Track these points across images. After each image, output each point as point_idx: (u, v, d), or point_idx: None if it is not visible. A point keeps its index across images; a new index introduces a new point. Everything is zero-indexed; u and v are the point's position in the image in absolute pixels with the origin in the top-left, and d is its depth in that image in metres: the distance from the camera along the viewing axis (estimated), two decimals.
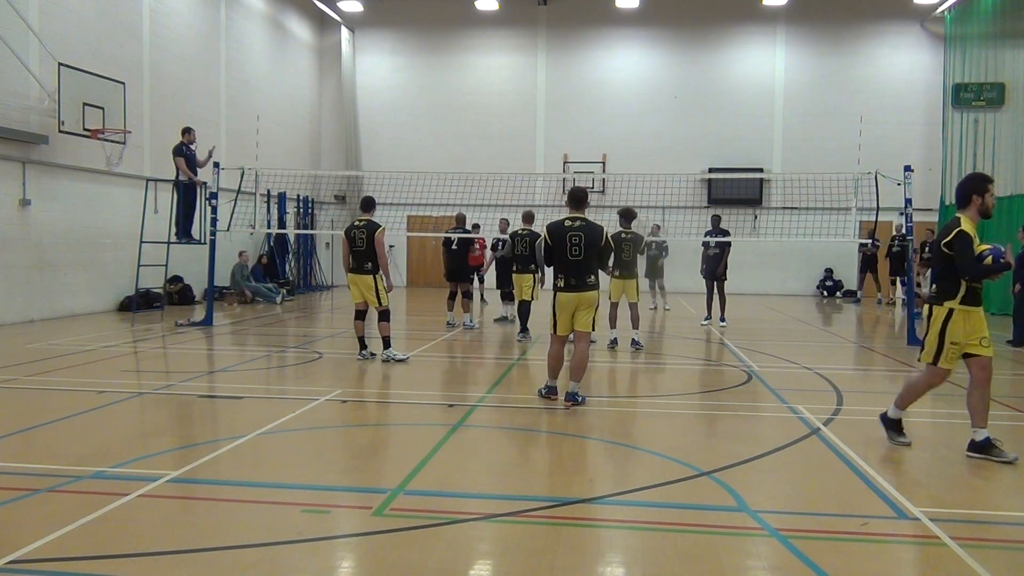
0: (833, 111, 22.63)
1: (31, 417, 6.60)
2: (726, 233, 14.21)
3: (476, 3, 23.39)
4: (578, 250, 7.04)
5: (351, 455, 5.73)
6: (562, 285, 7.14)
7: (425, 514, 4.32)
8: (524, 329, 11.90)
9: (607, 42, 23.78)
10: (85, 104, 13.22)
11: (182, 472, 5.00)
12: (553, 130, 24.00)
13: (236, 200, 14.09)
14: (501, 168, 21.45)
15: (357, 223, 9.60)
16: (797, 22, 23.06)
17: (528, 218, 12.25)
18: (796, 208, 19.61)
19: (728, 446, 6.01)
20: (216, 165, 13.40)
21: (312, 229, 22.21)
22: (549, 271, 7.76)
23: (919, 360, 5.86)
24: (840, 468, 5.33)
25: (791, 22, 23.08)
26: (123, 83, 14.21)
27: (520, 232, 11.95)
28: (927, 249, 17.55)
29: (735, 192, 22.80)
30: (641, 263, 12.75)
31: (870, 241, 13.61)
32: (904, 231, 12.89)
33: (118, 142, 14.08)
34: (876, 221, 12.82)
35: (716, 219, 14.42)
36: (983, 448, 5.52)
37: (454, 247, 13.28)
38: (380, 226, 9.51)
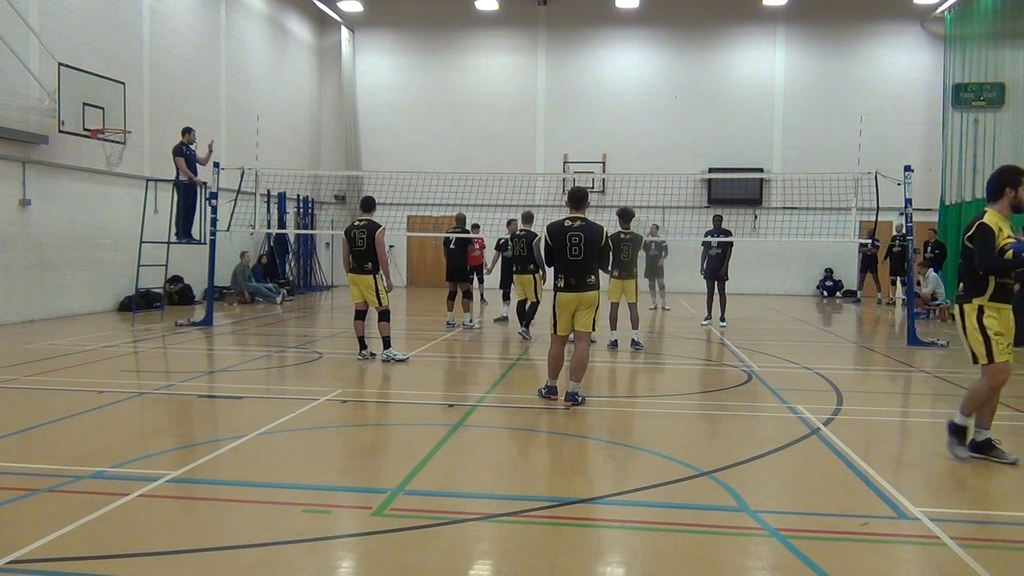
0: (833, 111, 22.63)
1: (31, 417, 6.60)
2: (728, 233, 14.21)
3: (476, 3, 23.40)
4: (578, 250, 7.04)
5: (351, 455, 5.73)
6: (562, 285, 7.14)
7: (425, 514, 4.32)
8: (526, 325, 11.94)
9: (607, 42, 23.78)
10: (85, 104, 13.22)
11: (182, 472, 5.00)
12: (553, 130, 24.00)
13: (236, 200, 14.09)
14: (501, 168, 21.47)
15: (357, 223, 9.60)
16: (797, 22, 23.06)
17: (527, 218, 12.25)
18: (796, 208, 19.60)
19: (728, 446, 6.01)
20: (216, 165, 13.40)
21: (312, 229, 22.21)
22: (550, 271, 7.75)
23: (975, 364, 5.43)
24: (840, 468, 5.33)
25: (791, 22, 23.08)
26: (123, 83, 14.22)
27: (519, 232, 11.95)
28: (928, 249, 17.55)
29: (735, 192, 22.80)
30: (641, 263, 12.76)
31: (870, 241, 13.60)
32: (904, 231, 12.88)
33: (118, 142, 14.09)
34: (876, 221, 12.82)
35: (718, 219, 14.41)
36: (983, 448, 5.52)
37: (452, 247, 13.32)
38: (380, 226, 9.51)
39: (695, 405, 7.72)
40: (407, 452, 5.67)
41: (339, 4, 23.46)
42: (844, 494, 4.83)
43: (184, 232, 13.88)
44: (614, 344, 11.09)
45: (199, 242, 13.93)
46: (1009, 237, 5.27)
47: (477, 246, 15.72)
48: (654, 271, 17.51)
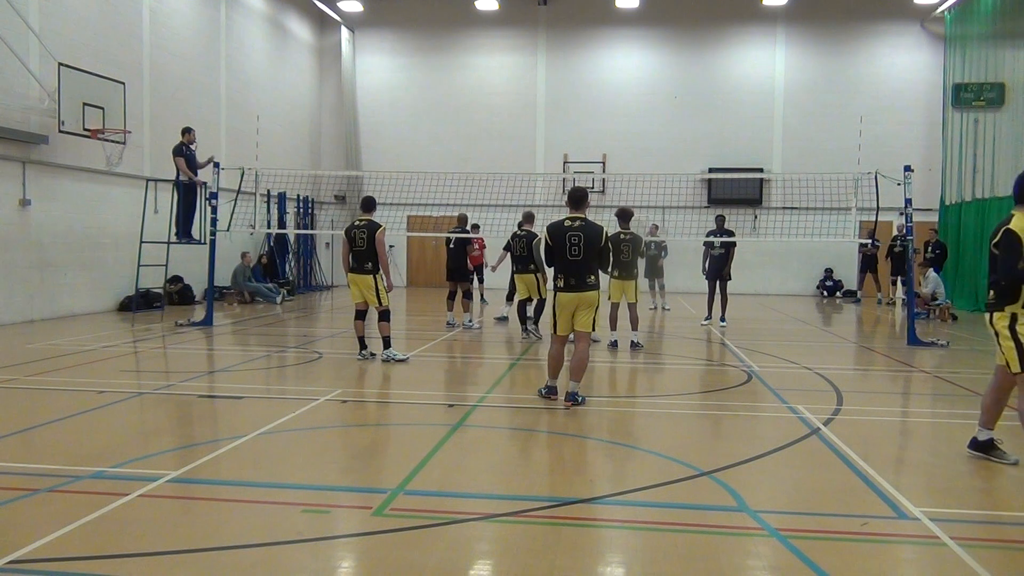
0: (833, 111, 22.63)
1: (31, 417, 6.60)
2: (731, 234, 14.21)
3: (476, 3, 23.39)
4: (577, 250, 7.04)
5: (351, 455, 5.73)
6: (562, 285, 7.14)
7: (425, 514, 4.32)
8: (526, 326, 11.96)
9: (607, 42, 23.78)
10: (85, 104, 13.21)
11: (182, 472, 5.00)
12: (553, 130, 24.00)
13: (236, 200, 14.09)
14: (501, 168, 21.46)
15: (357, 223, 9.59)
16: (797, 22, 23.06)
17: (528, 218, 12.26)
18: (796, 208, 19.61)
19: (728, 446, 6.01)
20: (216, 165, 13.40)
21: (312, 229, 22.21)
22: (550, 271, 7.75)
23: (1015, 373, 5.17)
24: (840, 468, 5.33)
25: (791, 22, 23.08)
26: (123, 83, 14.21)
27: (519, 232, 11.96)
28: (928, 249, 17.55)
29: (735, 192, 22.80)
30: (640, 263, 12.75)
31: (870, 241, 13.60)
32: (904, 231, 12.88)
33: (118, 142, 14.08)
34: (876, 221, 12.81)
35: (721, 219, 14.38)
36: (984, 448, 5.50)
37: (451, 247, 13.34)
38: (380, 226, 9.51)
39: (695, 405, 7.72)
40: (407, 452, 5.67)
41: (339, 4, 23.45)
42: (844, 494, 4.83)
43: (184, 232, 13.88)
44: (614, 344, 11.10)
45: (199, 242, 13.93)
46: None
47: (476, 246, 15.72)
48: (654, 271, 17.51)
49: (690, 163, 22.23)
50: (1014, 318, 5.10)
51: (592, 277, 7.13)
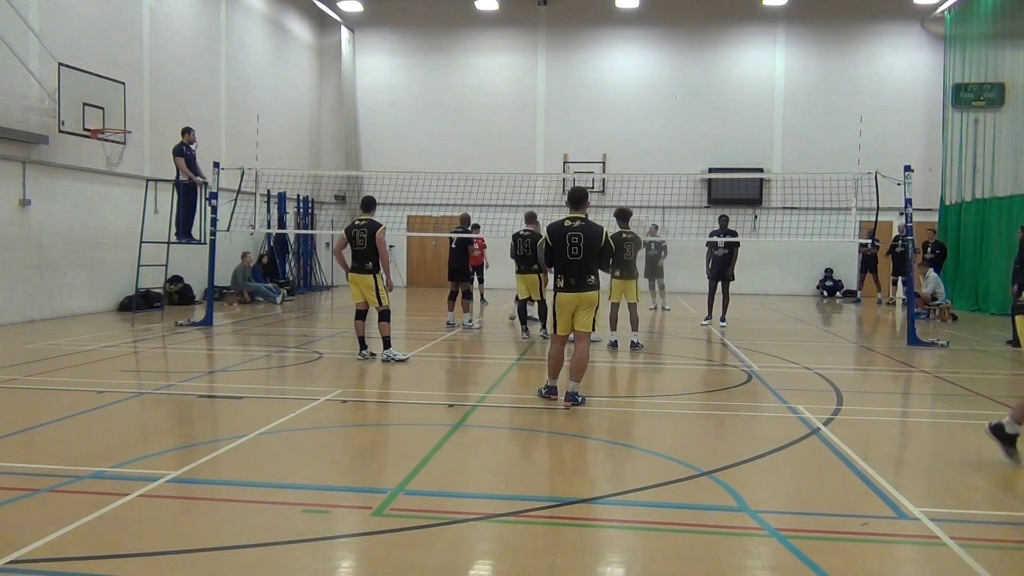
0: (833, 111, 22.63)
1: (31, 417, 6.61)
2: (735, 234, 14.21)
3: (476, 3, 23.39)
4: (577, 250, 7.04)
5: (351, 455, 5.73)
6: (562, 285, 7.14)
7: (425, 514, 4.32)
8: (525, 326, 11.93)
9: (607, 42, 23.78)
10: (85, 104, 13.22)
11: (182, 472, 5.00)
12: (553, 130, 24.00)
13: (236, 200, 14.08)
14: (501, 168, 21.46)
15: (358, 222, 9.59)
16: (797, 22, 23.06)
17: (530, 219, 12.25)
18: (796, 208, 19.61)
19: (728, 446, 6.02)
20: (216, 165, 13.39)
21: (312, 229, 22.21)
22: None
23: None
24: (840, 468, 5.33)
25: (791, 22, 23.08)
26: (123, 83, 14.21)
27: (523, 232, 11.95)
28: (928, 249, 17.55)
29: (735, 192, 22.80)
30: (640, 263, 12.76)
31: (870, 241, 13.60)
32: (905, 231, 12.88)
33: (118, 142, 14.08)
34: (876, 221, 12.82)
35: (724, 220, 14.34)
36: (1002, 437, 5.33)
37: (453, 247, 13.34)
38: (381, 225, 9.51)
39: (695, 405, 7.72)
40: (407, 452, 5.67)
41: (339, 4, 23.45)
42: (844, 494, 4.83)
43: (184, 232, 13.88)
44: (614, 344, 11.10)
45: (199, 242, 13.93)
46: None
47: (476, 246, 15.72)
48: (654, 271, 17.51)
49: (690, 163, 22.23)
50: None
51: (592, 277, 7.12)
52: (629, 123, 23.48)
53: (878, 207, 12.50)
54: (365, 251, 9.43)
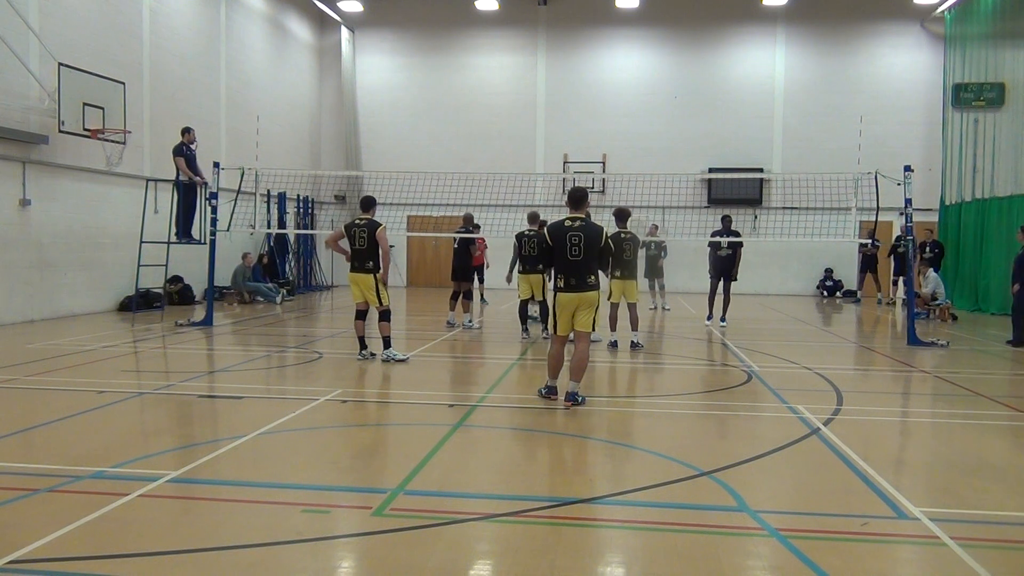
0: (833, 111, 22.63)
1: (31, 417, 6.60)
2: (738, 234, 14.21)
3: (476, 3, 23.39)
4: (577, 250, 7.04)
5: (351, 455, 5.73)
6: (562, 285, 7.14)
7: (425, 514, 4.32)
8: (525, 326, 11.94)
9: (607, 42, 23.78)
10: (85, 104, 13.22)
11: (182, 472, 5.00)
12: (553, 130, 24.00)
13: (236, 200, 14.08)
14: (501, 168, 21.48)
15: (358, 221, 9.59)
16: (797, 22, 23.06)
17: (533, 219, 12.25)
18: (796, 208, 19.61)
19: (728, 446, 6.02)
20: (216, 165, 13.40)
21: (312, 229, 22.20)
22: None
23: None
24: (840, 468, 5.33)
25: (791, 22, 23.08)
26: (123, 83, 14.21)
27: (527, 233, 11.95)
28: (927, 249, 17.55)
29: (735, 192, 22.80)
30: (640, 263, 12.75)
31: (870, 241, 13.60)
32: (905, 231, 12.89)
33: (118, 142, 14.08)
34: (876, 221, 12.81)
35: (727, 220, 14.31)
36: None
37: (456, 247, 13.35)
38: (381, 224, 9.51)
39: (695, 405, 7.72)
40: (407, 452, 5.66)
41: (339, 4, 23.45)
42: (844, 494, 4.83)
43: (184, 232, 13.88)
44: (614, 344, 11.10)
45: (199, 242, 13.93)
46: None
47: (477, 246, 15.72)
48: (654, 271, 17.52)
49: (690, 163, 22.24)
50: None
51: (592, 277, 7.12)
52: (629, 123, 23.48)
53: (878, 207, 12.51)
54: (365, 250, 9.43)
